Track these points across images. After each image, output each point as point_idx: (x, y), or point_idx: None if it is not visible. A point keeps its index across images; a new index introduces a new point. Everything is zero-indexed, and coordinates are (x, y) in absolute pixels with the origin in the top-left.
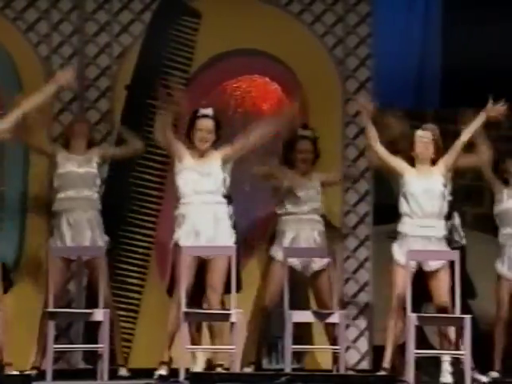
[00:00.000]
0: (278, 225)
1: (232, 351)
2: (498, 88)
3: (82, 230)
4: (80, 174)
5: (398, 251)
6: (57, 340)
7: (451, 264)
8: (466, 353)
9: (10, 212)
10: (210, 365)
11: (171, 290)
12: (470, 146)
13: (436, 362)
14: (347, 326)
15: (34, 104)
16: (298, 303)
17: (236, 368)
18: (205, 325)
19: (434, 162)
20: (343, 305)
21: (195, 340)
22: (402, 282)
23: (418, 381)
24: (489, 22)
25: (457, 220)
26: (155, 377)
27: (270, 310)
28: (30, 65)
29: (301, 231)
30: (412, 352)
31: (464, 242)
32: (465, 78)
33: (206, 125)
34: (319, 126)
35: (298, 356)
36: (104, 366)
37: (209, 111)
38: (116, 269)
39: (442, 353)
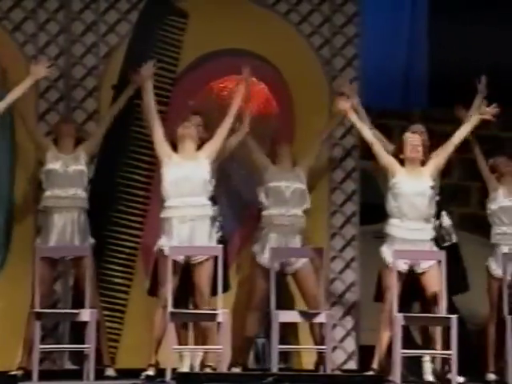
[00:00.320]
0: (261, 223)
1: (219, 351)
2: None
3: (67, 229)
4: (68, 172)
5: (388, 253)
6: (43, 340)
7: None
8: (452, 352)
9: None
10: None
11: (153, 290)
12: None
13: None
14: (334, 326)
15: (14, 97)
16: (285, 304)
17: (223, 368)
18: (192, 328)
19: (422, 163)
20: (330, 304)
21: (182, 339)
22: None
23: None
24: (475, 23)
25: (445, 218)
26: (142, 377)
27: (256, 311)
28: (16, 64)
29: (284, 230)
30: (399, 352)
31: (455, 239)
32: (451, 78)
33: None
34: (305, 126)
35: (284, 356)
36: (90, 366)
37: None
38: (102, 269)
39: (428, 353)
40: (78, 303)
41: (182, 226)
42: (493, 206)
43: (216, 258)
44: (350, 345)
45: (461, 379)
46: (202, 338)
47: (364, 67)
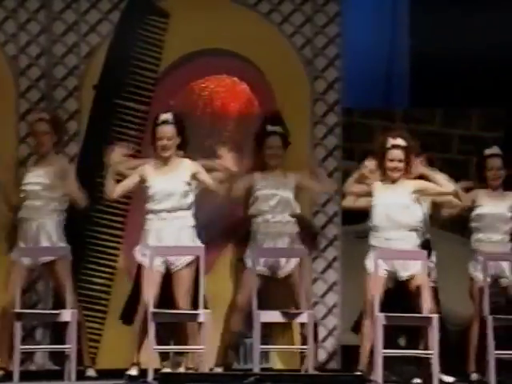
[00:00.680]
0: (252, 226)
1: (200, 351)
2: (467, 87)
3: (43, 237)
4: (45, 184)
5: (371, 263)
6: (24, 341)
7: None
8: (433, 353)
9: None
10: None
11: (127, 316)
12: None
13: (403, 361)
14: (315, 326)
15: None
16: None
17: (205, 368)
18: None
19: (406, 170)
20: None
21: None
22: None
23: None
24: (456, 22)
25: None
26: (124, 377)
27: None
28: None
29: (271, 232)
30: (380, 352)
31: (428, 235)
32: (434, 77)
33: (165, 131)
34: (288, 126)
35: (266, 356)
36: (71, 366)
37: (167, 116)
38: (84, 269)
39: (410, 353)
40: (59, 304)
41: (164, 235)
42: (476, 211)
43: (198, 264)
44: (332, 345)
45: (450, 379)
46: (184, 339)
47: (346, 67)
